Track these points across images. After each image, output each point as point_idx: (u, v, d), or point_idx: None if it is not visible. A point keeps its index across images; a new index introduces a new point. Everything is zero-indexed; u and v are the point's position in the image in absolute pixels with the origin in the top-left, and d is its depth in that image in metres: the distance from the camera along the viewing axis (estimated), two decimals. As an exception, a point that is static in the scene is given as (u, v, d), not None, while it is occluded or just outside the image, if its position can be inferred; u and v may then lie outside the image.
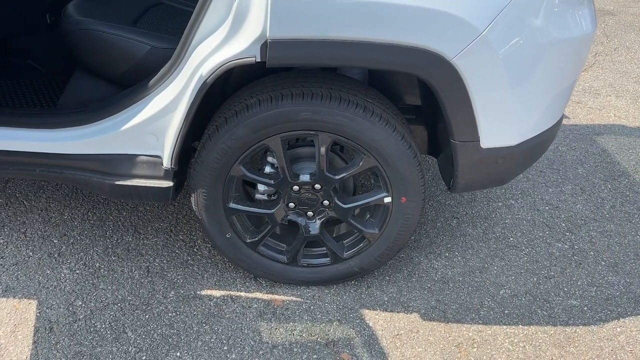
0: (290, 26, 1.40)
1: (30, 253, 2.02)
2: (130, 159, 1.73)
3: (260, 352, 1.70)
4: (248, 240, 1.83)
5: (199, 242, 2.12)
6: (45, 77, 2.19)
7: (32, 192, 2.29)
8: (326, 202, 1.77)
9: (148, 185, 1.73)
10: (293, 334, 1.77)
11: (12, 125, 1.72)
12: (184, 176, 1.85)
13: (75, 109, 1.82)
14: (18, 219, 2.17)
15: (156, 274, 1.97)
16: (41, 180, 2.30)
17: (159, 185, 1.74)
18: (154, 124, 1.67)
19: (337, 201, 1.76)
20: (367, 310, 1.86)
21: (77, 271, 1.96)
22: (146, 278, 1.95)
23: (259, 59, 1.46)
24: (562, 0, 1.58)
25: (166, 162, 1.71)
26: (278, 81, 1.65)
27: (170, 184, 1.74)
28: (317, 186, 1.73)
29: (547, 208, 2.40)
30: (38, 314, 1.78)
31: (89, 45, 1.81)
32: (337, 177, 1.71)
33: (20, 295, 1.85)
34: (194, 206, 1.77)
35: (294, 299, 1.90)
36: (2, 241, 2.06)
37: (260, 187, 1.80)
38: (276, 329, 1.78)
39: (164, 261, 2.03)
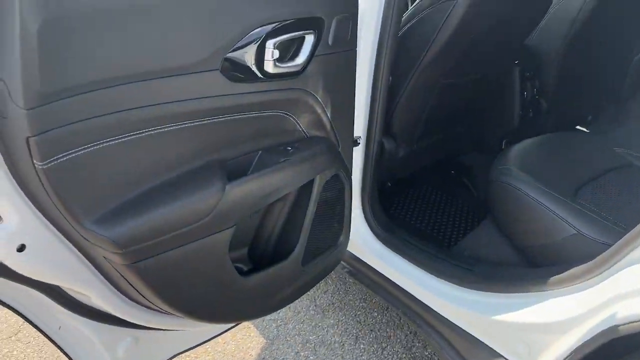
0: None
1: (375, 374, 1.92)
2: (487, 353, 1.34)
3: None
4: None
5: None
6: (470, 202, 2.03)
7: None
8: None
9: (496, 397, 1.30)
10: None
11: (398, 252, 1.63)
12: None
13: (464, 262, 1.55)
14: (385, 331, 2.11)
15: None
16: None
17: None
18: (533, 331, 1.22)
19: None
20: None
21: None
22: None
23: None
24: None
25: (529, 386, 1.23)
26: None
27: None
28: None
29: None
30: None
31: (505, 200, 1.51)
32: None
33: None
34: None
35: None
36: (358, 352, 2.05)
37: None
38: None
39: None
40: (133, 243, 0.83)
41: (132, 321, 1.07)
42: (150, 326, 1.12)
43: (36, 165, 0.73)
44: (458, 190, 2.14)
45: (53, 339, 1.06)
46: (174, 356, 1.36)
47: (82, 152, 0.77)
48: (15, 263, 0.82)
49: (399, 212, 1.99)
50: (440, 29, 1.55)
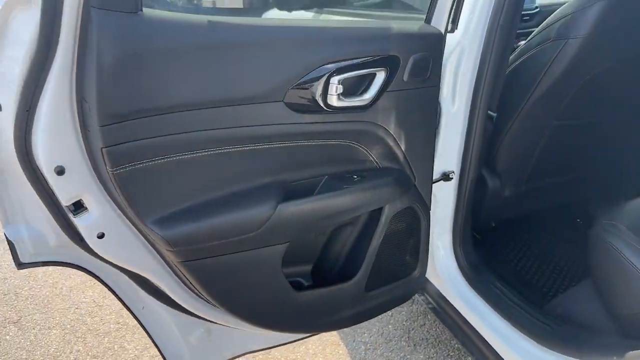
0: None
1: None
2: None
3: None
4: None
5: None
6: (584, 255, 1.84)
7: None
8: None
9: None
10: None
11: (480, 294, 1.56)
12: None
13: (550, 319, 1.43)
14: None
15: None
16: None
17: None
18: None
19: None
20: None
21: None
22: None
23: None
24: None
25: None
26: None
27: None
28: None
29: None
30: None
31: (602, 259, 1.35)
32: None
33: None
34: None
35: None
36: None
37: None
38: None
39: None
40: (183, 244, 0.97)
41: (196, 313, 1.23)
42: (210, 320, 1.26)
43: (108, 170, 0.91)
44: (576, 241, 1.95)
45: (137, 316, 1.26)
46: (245, 354, 1.49)
47: (148, 163, 0.93)
48: (97, 247, 1.02)
49: (499, 254, 1.88)
50: (548, 68, 1.46)
